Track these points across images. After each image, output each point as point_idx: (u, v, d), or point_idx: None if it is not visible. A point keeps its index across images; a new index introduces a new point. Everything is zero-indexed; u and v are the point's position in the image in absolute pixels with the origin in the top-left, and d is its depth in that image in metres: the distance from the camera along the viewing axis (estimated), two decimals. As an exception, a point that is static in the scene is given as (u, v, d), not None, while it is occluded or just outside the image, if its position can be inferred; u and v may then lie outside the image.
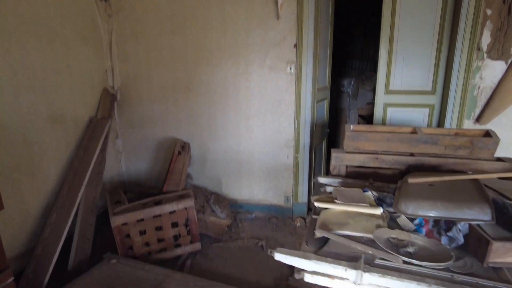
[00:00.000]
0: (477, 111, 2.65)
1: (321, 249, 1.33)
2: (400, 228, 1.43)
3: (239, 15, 2.86)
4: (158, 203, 2.55)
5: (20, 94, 2.28)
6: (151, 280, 2.18)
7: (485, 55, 2.53)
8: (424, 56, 2.74)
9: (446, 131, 2.08)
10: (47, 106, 2.52)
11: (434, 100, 2.82)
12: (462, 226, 1.28)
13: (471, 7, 2.44)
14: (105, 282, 2.15)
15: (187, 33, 3.01)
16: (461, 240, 1.26)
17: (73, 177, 2.63)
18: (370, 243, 1.31)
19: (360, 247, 1.28)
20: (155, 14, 3.03)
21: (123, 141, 3.45)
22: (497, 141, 1.91)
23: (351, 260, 1.22)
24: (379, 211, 1.49)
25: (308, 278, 1.23)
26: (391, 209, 1.54)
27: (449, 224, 1.34)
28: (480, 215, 1.25)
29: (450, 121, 2.70)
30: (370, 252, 1.25)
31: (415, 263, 1.17)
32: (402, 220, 1.46)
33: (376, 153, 2.02)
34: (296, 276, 1.26)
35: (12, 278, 1.55)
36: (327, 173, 2.12)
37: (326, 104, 3.48)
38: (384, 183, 1.90)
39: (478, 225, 1.27)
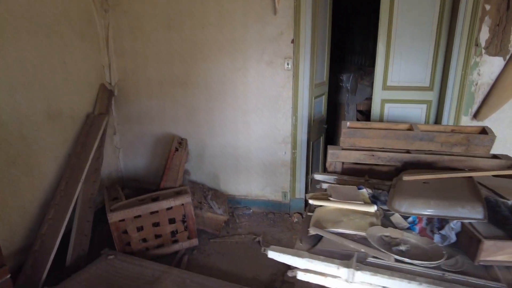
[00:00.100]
0: (475, 107, 2.64)
1: (314, 246, 1.33)
2: (394, 226, 1.44)
3: (236, 10, 2.84)
4: (155, 199, 2.56)
5: (16, 90, 2.28)
6: (149, 276, 2.20)
7: (483, 51, 2.51)
8: (422, 52, 2.72)
9: (443, 128, 2.08)
10: (44, 103, 2.51)
11: (432, 96, 2.81)
12: (455, 225, 1.28)
13: (469, 2, 2.41)
14: (102, 278, 2.17)
15: (184, 28, 2.99)
16: (453, 238, 1.27)
17: (71, 173, 2.64)
18: (363, 241, 1.31)
19: (353, 245, 1.29)
20: (152, 9, 3.00)
21: (121, 137, 3.46)
22: (493, 138, 1.91)
23: (344, 258, 1.23)
24: (373, 208, 1.50)
25: (301, 276, 1.24)
26: (385, 207, 1.54)
27: (442, 222, 1.34)
28: (472, 213, 1.26)
29: (448, 117, 2.70)
30: (362, 250, 1.26)
31: (406, 261, 1.18)
32: (396, 218, 1.46)
33: (372, 150, 2.02)
34: (289, 273, 1.27)
35: (9, 275, 1.56)
36: (325, 169, 2.13)
37: (324, 100, 3.47)
38: (379, 180, 1.91)
39: (471, 223, 1.27)
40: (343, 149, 2.06)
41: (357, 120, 4.94)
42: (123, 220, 2.43)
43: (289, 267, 1.30)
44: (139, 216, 2.47)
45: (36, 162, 2.46)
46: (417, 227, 1.40)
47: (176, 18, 2.98)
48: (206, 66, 3.05)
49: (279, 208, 3.29)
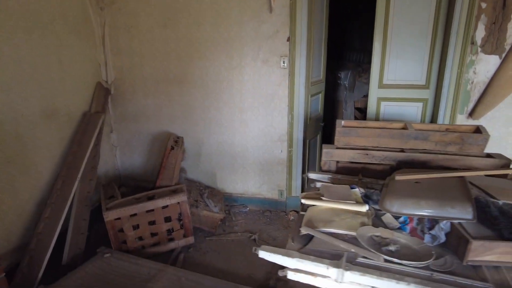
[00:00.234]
0: (470, 105, 2.64)
1: (305, 246, 1.34)
2: (385, 225, 1.44)
3: (232, 7, 2.83)
4: (151, 198, 2.57)
5: (11, 89, 2.28)
6: (144, 274, 2.21)
7: (479, 49, 2.50)
8: (418, 50, 2.71)
9: (437, 127, 2.08)
10: (40, 101, 2.51)
11: (428, 94, 2.81)
12: (444, 225, 1.29)
13: (465, 0, 2.40)
14: (98, 276, 2.19)
15: (180, 26, 2.98)
16: (442, 238, 1.28)
17: (67, 172, 2.65)
18: (354, 241, 1.32)
19: (343, 245, 1.30)
20: (148, 6, 2.99)
21: (118, 135, 3.46)
22: (486, 137, 1.91)
23: (334, 258, 1.24)
24: (364, 208, 1.50)
25: (291, 276, 1.25)
26: (377, 206, 1.55)
27: (433, 222, 1.35)
28: (462, 214, 1.26)
29: (443, 116, 2.70)
30: (352, 250, 1.27)
31: (395, 261, 1.19)
32: (387, 217, 1.47)
33: (366, 148, 2.03)
34: (280, 273, 1.28)
35: (3, 274, 1.58)
36: (321, 168, 2.13)
37: (321, 98, 3.47)
38: (373, 179, 1.91)
39: (460, 223, 1.28)
40: (337, 148, 2.07)
41: (355, 117, 4.94)
42: (119, 218, 2.44)
43: (282, 266, 1.31)
44: (135, 214, 2.48)
45: (32, 161, 2.46)
46: (408, 227, 1.41)
47: (172, 16, 2.97)
48: (202, 64, 3.04)
49: (276, 206, 3.30)
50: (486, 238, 1.18)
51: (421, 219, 1.39)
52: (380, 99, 2.90)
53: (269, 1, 2.70)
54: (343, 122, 2.14)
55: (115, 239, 2.46)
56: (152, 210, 2.52)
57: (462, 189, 1.39)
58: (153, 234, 2.58)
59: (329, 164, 2.09)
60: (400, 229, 1.42)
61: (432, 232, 1.30)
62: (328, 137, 4.14)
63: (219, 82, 3.06)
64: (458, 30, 2.48)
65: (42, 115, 2.54)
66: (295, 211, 3.22)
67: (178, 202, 2.57)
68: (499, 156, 1.88)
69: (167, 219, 2.59)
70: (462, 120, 2.68)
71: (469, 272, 1.16)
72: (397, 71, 2.80)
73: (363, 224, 1.41)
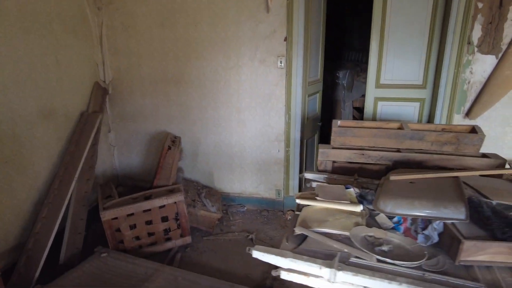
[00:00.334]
0: (467, 105, 2.64)
1: (299, 246, 1.35)
2: (379, 226, 1.45)
3: (229, 7, 2.83)
4: (148, 197, 2.57)
5: (8, 89, 2.28)
6: (141, 273, 2.22)
7: (476, 49, 2.50)
8: (415, 49, 2.71)
9: (433, 127, 2.08)
10: (37, 101, 2.52)
11: (425, 94, 2.81)
12: (437, 225, 1.29)
13: (462, 0, 2.40)
14: (95, 276, 2.19)
15: (178, 26, 2.99)
16: (435, 238, 1.28)
17: (64, 172, 2.65)
18: (347, 241, 1.33)
19: (336, 245, 1.30)
20: (145, 6, 3.00)
21: (116, 135, 3.46)
22: (482, 137, 1.92)
23: (327, 258, 1.24)
24: (359, 208, 1.51)
25: (284, 276, 1.26)
26: (371, 207, 1.55)
27: (427, 222, 1.35)
28: (455, 214, 1.27)
29: (440, 116, 2.70)
30: (345, 250, 1.27)
31: (388, 261, 1.19)
32: (381, 218, 1.47)
33: (362, 148, 2.03)
34: (273, 273, 1.29)
35: (0, 273, 1.59)
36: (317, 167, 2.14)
37: (318, 97, 3.47)
38: (369, 179, 1.91)
39: (453, 223, 1.28)
40: (333, 148, 2.07)
41: (354, 117, 4.95)
42: (116, 218, 2.45)
43: (277, 266, 1.31)
44: (132, 214, 2.48)
45: (29, 161, 2.47)
46: (402, 227, 1.41)
47: (170, 16, 2.98)
48: (199, 64, 3.04)
49: (273, 206, 3.30)
50: (479, 238, 1.19)
51: (414, 219, 1.39)
52: (377, 99, 2.91)
53: (266, 1, 2.70)
54: (339, 122, 2.14)
55: (112, 239, 2.47)
56: (149, 209, 2.52)
57: (456, 189, 1.40)
58: (150, 234, 2.59)
59: (325, 164, 2.10)
60: (394, 229, 1.42)
61: (426, 232, 1.31)
62: (326, 137, 4.14)
63: (217, 82, 3.06)
64: (455, 30, 2.48)
65: (39, 115, 2.55)
66: (292, 210, 3.22)
67: (175, 202, 2.57)
68: (495, 156, 1.89)
69: (164, 219, 2.60)
70: (459, 119, 2.68)
71: (461, 272, 1.17)
72: (394, 71, 2.80)
73: (357, 224, 1.41)
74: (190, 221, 2.77)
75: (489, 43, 2.47)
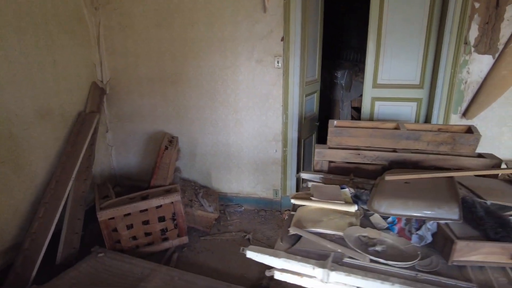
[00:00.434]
0: (464, 105, 2.64)
1: (293, 246, 1.35)
2: (373, 226, 1.45)
3: (226, 7, 2.83)
4: (145, 197, 2.57)
5: (4, 89, 2.28)
6: (138, 273, 2.22)
7: (473, 49, 2.50)
8: (412, 49, 2.71)
9: (429, 127, 2.08)
10: (34, 101, 2.51)
11: (422, 94, 2.81)
12: (431, 225, 1.29)
13: (459, 0, 2.40)
14: (92, 276, 2.19)
15: (175, 26, 2.98)
16: (429, 238, 1.28)
17: (61, 172, 2.65)
18: (341, 241, 1.33)
19: (330, 245, 1.30)
20: (142, 6, 2.99)
21: (113, 135, 3.46)
22: (478, 137, 1.92)
23: (321, 258, 1.25)
24: (353, 208, 1.51)
25: (278, 276, 1.26)
26: (366, 207, 1.55)
27: (421, 222, 1.35)
28: (448, 214, 1.27)
29: (437, 116, 2.70)
30: (339, 250, 1.27)
31: (381, 261, 1.19)
32: (375, 218, 1.47)
33: (358, 148, 2.03)
34: (267, 273, 1.29)
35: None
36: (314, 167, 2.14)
37: (316, 97, 3.47)
38: (365, 179, 1.92)
39: (447, 224, 1.28)
40: (329, 148, 2.07)
41: (352, 117, 4.94)
42: (113, 218, 2.45)
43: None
44: (129, 214, 2.48)
45: (26, 161, 2.47)
46: (396, 227, 1.41)
47: (167, 16, 2.97)
48: (196, 64, 3.04)
49: (270, 206, 3.30)
50: (472, 239, 1.19)
51: (408, 219, 1.39)
52: (375, 99, 2.90)
53: (263, 1, 2.70)
54: (335, 122, 2.15)
55: (109, 239, 2.47)
56: (146, 210, 2.53)
57: (450, 189, 1.40)
58: (147, 234, 2.59)
59: (322, 164, 2.10)
60: (388, 229, 1.43)
61: (419, 232, 1.31)
62: (324, 137, 4.14)
63: (214, 82, 3.06)
64: (452, 30, 2.48)
65: (36, 115, 2.54)
66: (289, 210, 3.22)
67: (172, 202, 2.57)
68: (491, 156, 1.89)
69: (161, 219, 2.60)
70: (455, 119, 2.68)
71: (454, 272, 1.17)
72: (391, 70, 2.80)
73: (351, 224, 1.41)
74: (187, 221, 2.77)
75: (486, 43, 2.47)
